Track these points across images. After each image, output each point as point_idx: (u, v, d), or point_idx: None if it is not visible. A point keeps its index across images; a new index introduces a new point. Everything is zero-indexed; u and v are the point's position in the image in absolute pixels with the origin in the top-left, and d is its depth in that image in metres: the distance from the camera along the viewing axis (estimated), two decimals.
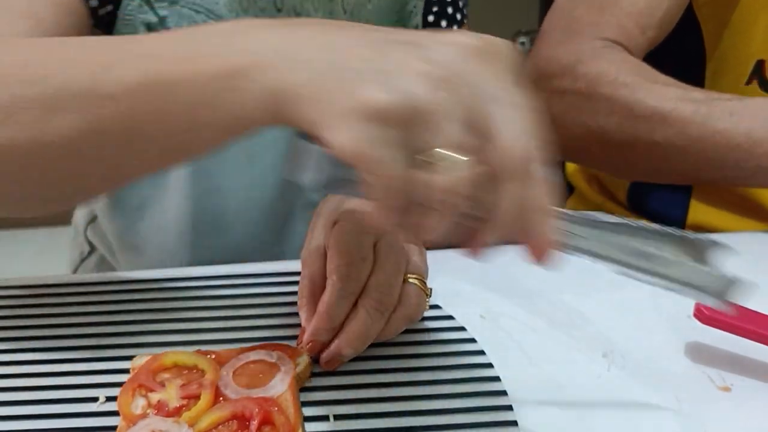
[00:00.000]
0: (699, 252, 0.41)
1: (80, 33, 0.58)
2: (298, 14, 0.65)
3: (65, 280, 0.59)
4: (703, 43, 0.76)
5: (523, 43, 2.36)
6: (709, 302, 0.41)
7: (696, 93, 0.67)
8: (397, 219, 0.34)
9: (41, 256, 2.36)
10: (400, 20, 0.73)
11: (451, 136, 0.34)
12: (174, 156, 0.44)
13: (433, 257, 0.53)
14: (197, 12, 0.61)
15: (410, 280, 0.50)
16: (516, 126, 0.35)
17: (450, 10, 0.76)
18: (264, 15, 0.64)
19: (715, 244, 0.41)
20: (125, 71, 0.40)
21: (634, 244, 0.41)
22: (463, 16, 0.78)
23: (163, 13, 0.61)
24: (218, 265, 0.60)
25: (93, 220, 0.79)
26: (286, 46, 0.37)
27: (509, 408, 0.45)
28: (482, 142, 0.34)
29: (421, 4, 0.73)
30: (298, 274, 0.52)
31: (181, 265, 0.66)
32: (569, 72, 0.70)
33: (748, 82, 0.74)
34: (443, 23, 0.76)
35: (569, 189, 0.93)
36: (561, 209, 0.39)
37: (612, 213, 0.87)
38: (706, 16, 0.75)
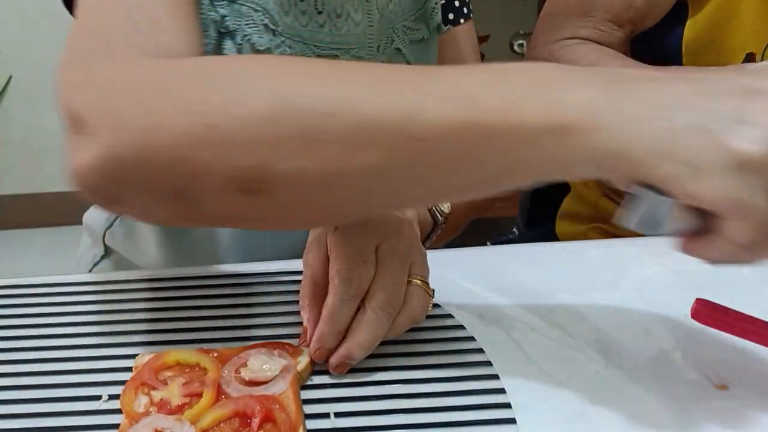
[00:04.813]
0: None
1: None
2: (338, 15, 0.65)
3: (67, 279, 0.59)
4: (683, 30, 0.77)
5: (521, 45, 2.36)
6: None
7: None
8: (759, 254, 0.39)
9: (42, 256, 2.36)
10: (421, 18, 0.73)
11: None
12: (468, 194, 0.43)
13: (433, 256, 0.54)
14: (255, 11, 0.61)
15: (414, 282, 0.50)
16: None
17: (457, 3, 0.77)
18: (304, 17, 0.64)
19: None
20: (438, 114, 0.39)
21: None
22: (469, 10, 0.79)
23: (222, 11, 0.61)
24: (219, 265, 0.61)
25: (112, 224, 0.78)
26: (615, 105, 0.38)
27: (508, 406, 0.46)
28: None
29: (441, 2, 0.74)
30: (299, 273, 0.53)
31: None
32: None
33: None
34: (450, 16, 0.77)
35: (566, 188, 0.94)
36: None
37: (607, 210, 0.88)
38: None
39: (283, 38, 0.63)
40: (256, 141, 0.40)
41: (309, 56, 0.65)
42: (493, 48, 2.17)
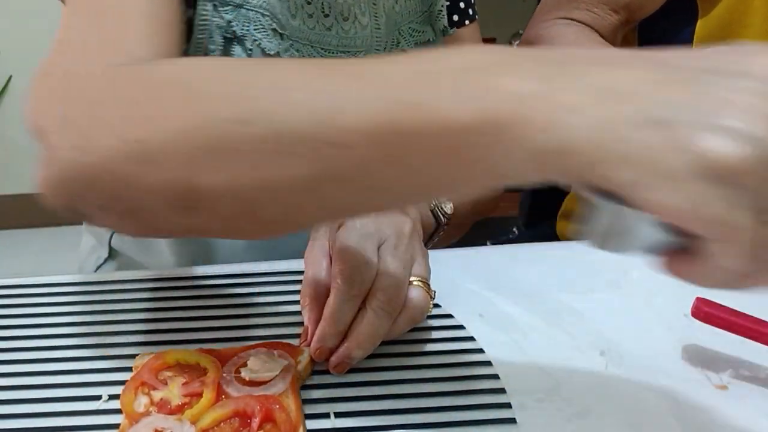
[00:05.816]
0: None
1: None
2: (345, 18, 0.65)
3: (67, 279, 0.59)
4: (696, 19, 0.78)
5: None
6: None
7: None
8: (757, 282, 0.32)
9: (42, 256, 2.37)
10: (427, 20, 0.73)
11: None
12: (412, 202, 0.39)
13: (433, 256, 0.54)
14: (263, 15, 0.61)
15: (415, 283, 0.50)
16: None
17: (462, 4, 0.77)
18: (311, 20, 0.64)
19: None
20: (356, 117, 0.34)
21: None
22: (475, 11, 0.79)
23: (228, 17, 0.60)
24: (220, 265, 0.61)
25: None
26: (555, 94, 0.31)
27: (507, 405, 0.46)
28: None
29: (446, 4, 0.74)
30: (299, 273, 0.53)
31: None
32: None
33: None
34: (455, 17, 0.77)
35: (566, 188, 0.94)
36: None
37: None
38: None
39: (290, 42, 0.63)
40: (176, 156, 0.38)
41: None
42: None
